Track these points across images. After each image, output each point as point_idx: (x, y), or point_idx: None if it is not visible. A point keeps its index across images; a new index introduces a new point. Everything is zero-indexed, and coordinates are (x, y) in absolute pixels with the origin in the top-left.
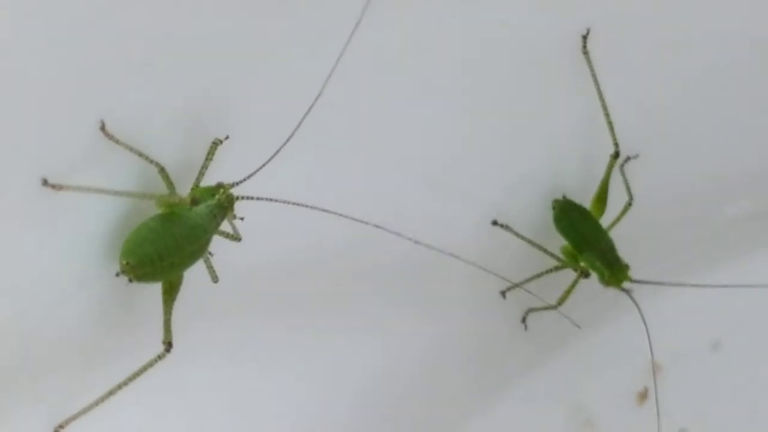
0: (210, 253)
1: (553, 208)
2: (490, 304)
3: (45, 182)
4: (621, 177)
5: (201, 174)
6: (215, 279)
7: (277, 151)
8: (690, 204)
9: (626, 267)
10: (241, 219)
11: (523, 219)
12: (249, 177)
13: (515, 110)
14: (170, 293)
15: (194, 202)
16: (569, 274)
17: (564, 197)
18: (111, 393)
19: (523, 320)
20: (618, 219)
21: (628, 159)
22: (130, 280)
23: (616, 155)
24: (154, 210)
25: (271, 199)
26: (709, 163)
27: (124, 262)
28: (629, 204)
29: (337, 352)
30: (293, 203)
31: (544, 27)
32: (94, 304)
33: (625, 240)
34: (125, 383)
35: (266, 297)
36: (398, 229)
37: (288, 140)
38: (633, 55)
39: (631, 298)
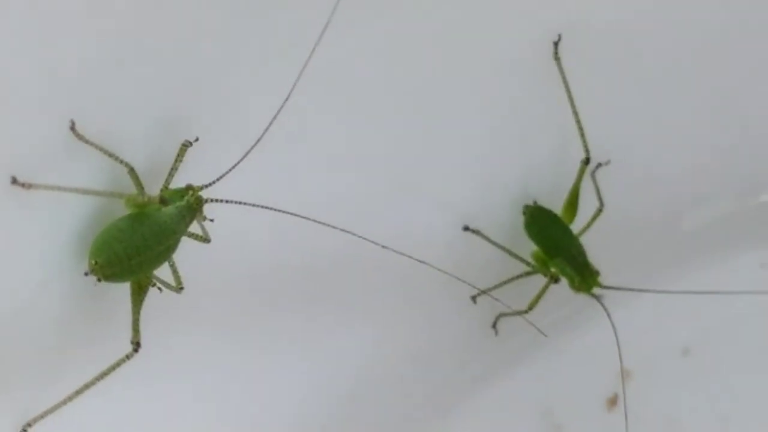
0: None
1: (524, 213)
2: (461, 309)
3: (14, 180)
4: (592, 183)
5: (170, 175)
6: (180, 286)
7: (246, 154)
8: (660, 210)
9: (596, 273)
10: (211, 221)
11: (494, 224)
12: (218, 179)
13: (486, 116)
14: (139, 293)
15: (163, 202)
16: (540, 280)
17: (535, 203)
18: (78, 392)
19: (494, 325)
20: (588, 225)
21: (599, 165)
22: (99, 280)
23: (587, 161)
24: (123, 210)
25: (239, 202)
26: (679, 170)
27: (93, 262)
28: (600, 210)
29: (304, 355)
30: (262, 206)
31: (516, 33)
32: (63, 303)
33: (595, 246)
34: (93, 383)
35: (234, 298)
36: (367, 233)
37: (257, 143)
38: (604, 63)
39: (601, 303)
